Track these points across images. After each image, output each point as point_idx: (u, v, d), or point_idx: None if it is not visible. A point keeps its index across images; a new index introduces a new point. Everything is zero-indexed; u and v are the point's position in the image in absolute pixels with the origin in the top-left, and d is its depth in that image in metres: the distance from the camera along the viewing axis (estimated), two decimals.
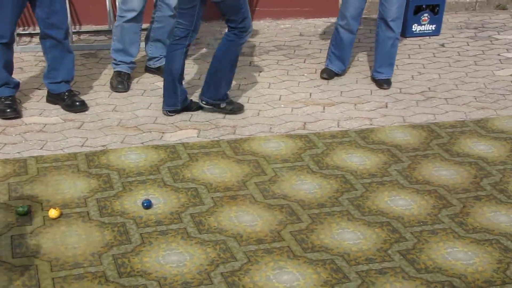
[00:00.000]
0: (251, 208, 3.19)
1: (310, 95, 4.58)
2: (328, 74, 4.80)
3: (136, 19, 4.39)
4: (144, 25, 4.65)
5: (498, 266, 2.79)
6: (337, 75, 4.85)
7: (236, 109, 4.21)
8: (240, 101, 4.42)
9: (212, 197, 3.27)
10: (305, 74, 4.94)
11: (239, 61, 4.67)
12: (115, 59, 4.53)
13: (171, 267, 2.73)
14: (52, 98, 4.22)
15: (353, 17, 4.55)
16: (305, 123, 4.13)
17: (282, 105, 4.40)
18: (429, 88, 4.72)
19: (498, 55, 5.39)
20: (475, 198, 3.32)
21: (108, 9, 5.47)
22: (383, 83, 4.66)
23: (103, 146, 3.76)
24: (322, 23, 6.14)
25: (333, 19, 6.11)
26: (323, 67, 4.93)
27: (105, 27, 5.70)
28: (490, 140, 3.93)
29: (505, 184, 3.45)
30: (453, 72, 5.03)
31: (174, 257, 2.80)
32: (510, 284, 2.67)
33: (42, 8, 3.91)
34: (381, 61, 4.63)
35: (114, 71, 4.58)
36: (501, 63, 5.22)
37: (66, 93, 4.16)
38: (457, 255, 2.86)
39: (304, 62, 5.17)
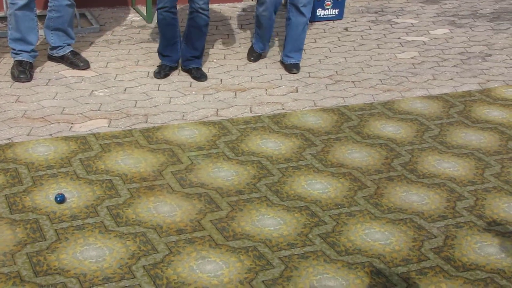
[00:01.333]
0: (169, 198, 3.13)
1: (221, 81, 4.54)
2: (253, 56, 4.90)
3: (29, 6, 4.18)
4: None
5: (413, 244, 2.89)
6: (260, 55, 4.95)
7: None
8: (149, 88, 4.32)
9: (128, 189, 3.18)
10: (214, 60, 4.89)
11: (149, 49, 4.56)
12: (14, 49, 4.31)
13: (90, 263, 2.64)
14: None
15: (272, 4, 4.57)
16: (217, 109, 4.10)
17: (193, 92, 4.34)
18: (336, 72, 4.81)
19: (399, 38, 5.57)
20: (387, 179, 3.42)
21: None
22: (292, 68, 4.71)
23: (8, 139, 3.57)
24: (227, 8, 6.10)
25: (238, 4, 6.09)
26: (232, 52, 4.89)
27: (1, 13, 5.40)
28: (397, 122, 4.06)
29: (414, 164, 3.58)
30: (358, 56, 5.15)
31: (92, 252, 2.70)
32: (426, 261, 2.78)
33: None
34: (291, 46, 4.67)
35: (15, 61, 4.35)
36: (402, 46, 5.39)
37: None
38: (374, 235, 2.94)
39: (213, 48, 5.12)
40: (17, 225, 2.84)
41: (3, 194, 3.06)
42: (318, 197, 3.22)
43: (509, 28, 5.91)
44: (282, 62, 4.81)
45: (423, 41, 5.53)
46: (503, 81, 4.75)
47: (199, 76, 4.49)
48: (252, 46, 4.95)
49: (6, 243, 2.73)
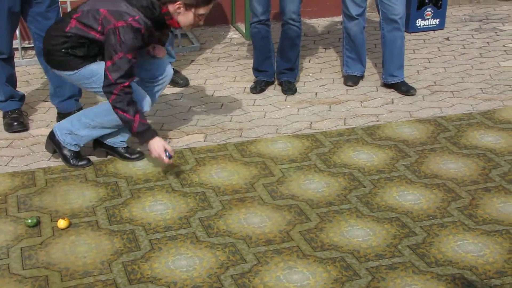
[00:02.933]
0: (259, 210, 3.19)
1: (316, 94, 4.57)
2: (352, 81, 4.69)
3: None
4: None
5: (509, 256, 2.77)
6: (361, 78, 4.75)
7: None
8: (245, 103, 4.43)
9: (220, 201, 3.27)
10: (310, 74, 4.93)
11: (246, 65, 4.67)
12: None
13: (181, 272, 2.74)
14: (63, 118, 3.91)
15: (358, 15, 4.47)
16: (311, 122, 4.13)
17: (288, 106, 4.40)
18: (435, 82, 4.70)
19: (503, 46, 5.36)
20: (484, 189, 3.30)
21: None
22: (410, 89, 4.49)
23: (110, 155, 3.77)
24: (325, 22, 6.13)
25: (337, 18, 6.10)
26: (328, 66, 4.89)
27: None
28: (497, 131, 3.91)
29: None
30: (458, 65, 5.01)
31: (183, 262, 2.80)
32: None
33: (36, 24, 3.91)
34: (393, 64, 4.47)
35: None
36: (507, 54, 5.19)
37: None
38: (467, 247, 2.84)
39: (309, 62, 5.17)
40: (115, 235, 3.00)
41: (103, 206, 3.24)
42: (410, 208, 3.16)
43: None
44: (386, 84, 4.59)
45: None
46: None
47: (287, 89, 4.54)
48: (346, 74, 4.70)
49: (104, 252, 2.88)
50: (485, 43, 5.47)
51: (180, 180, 3.47)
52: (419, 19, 5.77)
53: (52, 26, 3.52)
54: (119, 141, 3.65)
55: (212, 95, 4.59)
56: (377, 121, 4.13)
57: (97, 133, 3.56)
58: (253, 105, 4.42)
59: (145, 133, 3.38)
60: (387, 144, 3.81)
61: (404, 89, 4.50)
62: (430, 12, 5.77)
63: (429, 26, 5.82)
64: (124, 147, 3.67)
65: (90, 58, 3.41)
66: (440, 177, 3.44)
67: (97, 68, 3.39)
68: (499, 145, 3.74)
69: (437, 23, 5.83)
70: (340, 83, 4.73)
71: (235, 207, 3.22)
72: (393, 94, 4.52)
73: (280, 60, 4.58)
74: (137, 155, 3.69)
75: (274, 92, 4.62)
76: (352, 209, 3.17)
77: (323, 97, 4.52)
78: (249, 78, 4.81)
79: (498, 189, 3.30)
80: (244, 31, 5.78)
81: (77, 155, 3.60)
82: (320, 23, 6.12)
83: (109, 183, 3.46)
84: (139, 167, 3.61)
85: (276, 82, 4.71)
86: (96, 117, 3.49)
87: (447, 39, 5.62)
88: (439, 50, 5.36)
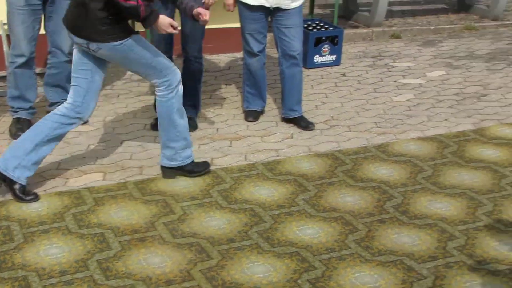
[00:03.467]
0: (160, 249, 3.15)
1: (217, 130, 4.60)
2: (252, 116, 4.76)
3: (28, 64, 4.31)
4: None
5: (402, 286, 2.87)
6: (261, 113, 4.82)
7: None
8: (146, 140, 4.38)
9: (120, 241, 3.20)
10: (211, 110, 4.96)
11: (147, 102, 4.62)
12: (12, 107, 4.42)
13: None
14: None
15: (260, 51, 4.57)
16: (212, 158, 4.14)
17: None
18: (332, 117, 4.85)
19: (395, 81, 5.62)
20: (379, 221, 3.41)
21: (5, 54, 5.32)
22: (309, 124, 4.60)
23: (1, 196, 3.62)
24: (226, 58, 6.21)
25: (238, 54, 6.20)
26: (229, 101, 4.94)
27: (3, 73, 5.53)
28: (391, 164, 4.07)
29: (406, 205, 3.57)
30: (354, 100, 5.20)
31: None
32: None
33: None
34: (292, 99, 4.59)
35: (13, 118, 4.45)
36: (398, 89, 5.43)
37: None
38: (364, 279, 2.92)
39: (210, 98, 5.20)
40: (5, 283, 2.87)
41: None
42: (309, 242, 3.22)
43: (504, 68, 5.95)
44: (285, 118, 4.68)
45: (419, 83, 5.57)
46: (498, 120, 4.76)
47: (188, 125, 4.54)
48: (247, 109, 4.76)
49: None
50: (378, 78, 5.71)
51: (77, 222, 3.37)
52: (317, 56, 5.95)
53: None
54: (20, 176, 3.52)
55: (111, 132, 4.52)
56: (277, 156, 4.20)
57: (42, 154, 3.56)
58: (154, 142, 4.38)
59: (151, 16, 3.39)
60: (287, 179, 3.87)
61: (303, 124, 4.61)
62: (327, 49, 5.97)
63: (326, 62, 6.02)
64: (21, 187, 3.53)
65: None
66: (338, 210, 3.52)
67: None
68: (393, 177, 3.89)
69: (334, 59, 6.03)
70: (241, 119, 4.79)
71: (134, 248, 3.16)
72: (292, 129, 4.61)
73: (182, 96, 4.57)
74: (32, 197, 3.56)
75: None
76: (253, 245, 3.19)
77: (224, 133, 4.55)
78: (150, 115, 4.78)
79: (392, 220, 3.42)
80: None
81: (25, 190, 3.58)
82: (221, 58, 6.19)
83: (0, 227, 3.31)
84: (33, 209, 3.48)
85: None
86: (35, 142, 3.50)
87: (343, 74, 5.82)
88: (336, 86, 5.54)
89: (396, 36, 6.95)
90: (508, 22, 7.54)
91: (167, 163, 3.83)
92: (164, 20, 3.48)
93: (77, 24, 3.41)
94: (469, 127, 4.62)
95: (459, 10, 8.04)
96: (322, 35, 5.95)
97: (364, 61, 6.18)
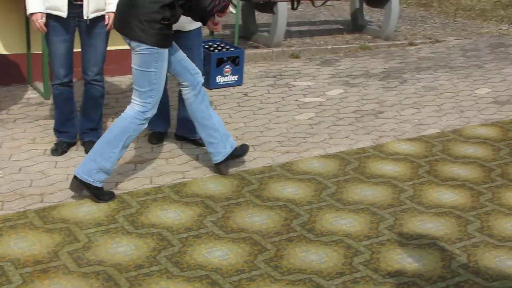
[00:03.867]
0: (64, 280, 3.04)
1: None
2: (156, 138, 4.71)
3: None
4: None
5: None
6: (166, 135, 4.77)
7: None
8: (46, 166, 4.24)
9: (21, 274, 3.07)
10: None
11: (46, 126, 4.47)
12: None
13: None
14: None
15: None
16: (117, 183, 4.06)
17: None
18: (236, 137, 4.88)
19: (296, 100, 5.74)
20: (287, 240, 3.46)
21: None
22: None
23: None
24: (127, 80, 6.13)
25: None
26: None
27: None
28: (296, 182, 4.14)
29: (312, 223, 3.64)
30: (257, 120, 5.26)
31: None
32: None
33: None
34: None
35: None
36: (300, 108, 5.56)
37: None
38: None
39: (112, 121, 5.10)
40: None
41: None
42: (219, 264, 3.21)
43: (398, 85, 6.22)
44: (189, 139, 4.67)
45: (319, 102, 5.72)
46: (394, 136, 4.96)
47: (89, 149, 4.43)
48: (150, 131, 4.70)
49: None
50: (280, 98, 5.81)
51: None
52: (219, 76, 5.99)
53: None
54: None
55: (9, 159, 4.33)
56: (183, 178, 4.17)
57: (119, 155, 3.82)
58: (55, 167, 4.24)
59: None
60: (194, 201, 3.86)
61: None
62: (229, 69, 6.02)
63: (229, 82, 6.07)
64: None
65: None
66: (246, 230, 3.54)
67: None
68: (298, 196, 3.96)
69: (236, 79, 6.10)
70: (145, 141, 4.73)
71: (37, 280, 3.03)
72: (198, 150, 4.60)
73: (83, 120, 4.47)
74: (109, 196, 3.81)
75: (77, 153, 4.48)
76: (162, 270, 3.14)
77: (128, 156, 4.47)
78: (50, 140, 4.63)
79: (299, 239, 3.47)
80: (42, 91, 5.57)
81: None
82: (122, 80, 6.10)
83: None
84: None
85: (79, 143, 4.58)
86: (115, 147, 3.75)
87: (246, 94, 5.89)
88: (239, 105, 5.59)
89: (295, 56, 7.12)
90: (399, 42, 7.90)
91: (80, 175, 3.75)
92: None
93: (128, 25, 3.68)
94: (368, 144, 4.79)
95: (354, 31, 8.35)
96: (224, 56, 6.00)
97: (266, 81, 6.28)
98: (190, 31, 4.39)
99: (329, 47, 7.45)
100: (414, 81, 6.34)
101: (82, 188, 3.77)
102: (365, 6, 8.39)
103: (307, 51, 7.27)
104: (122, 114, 3.85)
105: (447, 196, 4.00)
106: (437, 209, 3.83)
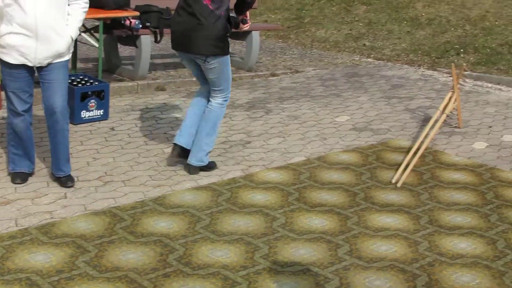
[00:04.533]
0: None
1: None
2: (20, 178, 4.50)
3: None
4: None
5: None
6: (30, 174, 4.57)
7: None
8: None
9: None
10: None
11: None
12: None
13: None
14: None
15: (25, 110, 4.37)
16: None
17: None
18: (105, 173, 4.78)
19: (165, 133, 5.73)
20: (164, 275, 3.42)
21: None
22: (67, 181, 4.48)
23: None
24: None
25: (1, 113, 5.84)
26: None
27: None
28: (169, 216, 4.11)
29: (188, 256, 3.63)
30: (126, 154, 5.18)
31: None
32: None
33: None
34: (60, 157, 4.45)
35: None
36: (168, 140, 5.54)
37: None
38: None
39: None
40: None
41: None
42: None
43: (263, 115, 6.40)
44: (57, 177, 4.54)
45: None
46: (263, 165, 5.09)
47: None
48: (13, 171, 4.50)
49: None
50: (148, 131, 5.77)
51: None
52: (84, 111, 5.85)
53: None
54: None
55: None
56: (52, 218, 4.01)
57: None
58: None
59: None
60: (64, 241, 3.71)
61: (71, 184, 4.46)
62: (93, 104, 5.89)
63: (94, 117, 5.93)
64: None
65: None
66: (121, 268, 3.46)
67: None
68: (173, 230, 3.94)
69: (102, 114, 5.98)
70: (8, 181, 4.49)
71: None
72: (65, 189, 4.44)
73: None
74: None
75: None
76: None
77: None
78: None
79: (176, 273, 3.45)
80: None
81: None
82: None
83: None
84: None
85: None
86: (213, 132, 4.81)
87: (113, 129, 5.79)
88: (106, 140, 5.48)
89: (161, 89, 7.11)
90: (261, 73, 8.15)
91: (196, 163, 4.79)
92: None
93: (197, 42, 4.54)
94: (238, 174, 4.87)
95: None
96: (88, 90, 5.88)
97: (132, 114, 6.21)
98: (53, 63, 4.26)
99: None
100: (279, 111, 6.55)
101: (198, 170, 4.81)
102: None
103: (173, 84, 7.29)
104: (207, 108, 4.78)
105: (317, 221, 4.15)
106: (308, 235, 3.96)
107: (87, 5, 4.41)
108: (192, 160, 4.79)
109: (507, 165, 5.35)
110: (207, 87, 4.84)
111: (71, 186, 4.45)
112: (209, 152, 4.84)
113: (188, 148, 4.83)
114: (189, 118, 4.85)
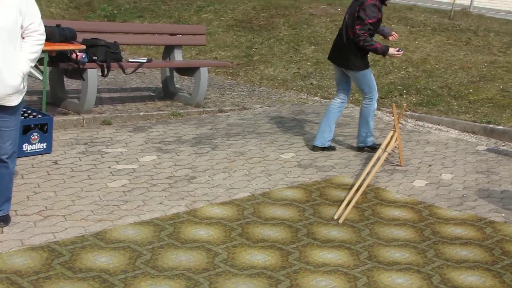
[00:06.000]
0: None
1: None
2: None
3: None
4: None
5: None
6: None
7: None
8: None
9: None
10: None
11: None
12: None
13: None
14: None
15: None
16: None
17: None
18: (46, 207, 4.70)
19: (109, 167, 5.68)
20: None
21: None
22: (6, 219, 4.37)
23: None
24: None
25: None
26: None
27: None
28: (110, 251, 4.06)
29: None
30: (68, 188, 5.11)
31: None
32: None
33: None
34: (2, 195, 4.35)
35: None
36: (113, 175, 5.50)
37: None
38: None
39: None
40: None
41: None
42: None
43: (209, 151, 6.42)
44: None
45: (133, 168, 5.71)
46: (207, 200, 5.09)
47: None
48: None
49: None
50: (92, 165, 5.71)
51: None
52: (26, 144, 5.76)
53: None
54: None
55: None
56: None
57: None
58: None
59: (385, 49, 6.38)
60: None
61: (4, 224, 4.34)
62: (36, 137, 5.81)
63: (37, 150, 5.85)
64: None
65: None
66: None
67: None
68: (112, 265, 3.88)
69: (44, 147, 5.89)
70: None
71: None
72: (2, 223, 4.34)
73: None
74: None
75: None
76: None
77: None
78: None
79: None
80: None
81: None
82: None
83: None
84: None
85: None
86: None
87: (55, 162, 5.71)
88: (49, 174, 5.40)
89: (107, 123, 7.07)
90: (209, 109, 8.19)
91: (362, 145, 6.78)
92: (392, 49, 6.41)
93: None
94: (182, 209, 4.85)
95: (165, 98, 8.51)
96: (31, 123, 5.80)
97: (77, 148, 6.15)
98: (5, 109, 4.15)
99: (141, 113, 7.51)
100: (225, 147, 6.59)
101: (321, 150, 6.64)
102: (175, 74, 8.63)
103: (119, 118, 7.26)
104: (361, 109, 6.62)
105: (259, 257, 4.17)
106: (249, 271, 3.97)
107: (43, 38, 4.19)
108: (317, 142, 6.70)
109: (444, 202, 5.50)
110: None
111: (4, 226, 4.31)
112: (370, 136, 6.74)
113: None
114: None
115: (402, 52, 6.52)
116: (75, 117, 6.96)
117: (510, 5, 25.63)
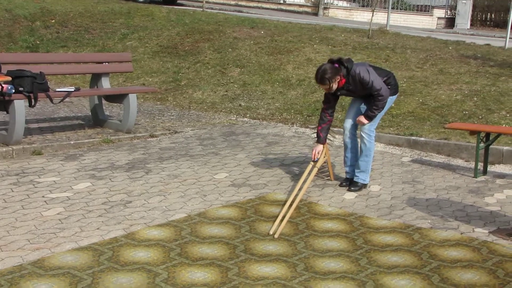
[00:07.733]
0: None
1: None
2: None
3: None
4: None
5: None
6: None
7: None
8: None
9: None
10: None
11: None
12: None
13: None
14: None
15: None
16: None
17: None
18: None
19: (43, 196, 5.65)
20: None
21: None
22: None
23: None
24: None
25: None
26: None
27: None
28: (49, 278, 4.06)
29: None
30: (2, 219, 5.06)
31: None
32: None
33: None
34: None
35: None
36: (47, 204, 5.47)
37: None
38: None
39: None
40: None
41: None
42: None
43: (143, 175, 6.47)
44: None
45: (67, 196, 5.70)
46: (145, 223, 5.14)
47: None
48: None
49: None
50: (25, 195, 5.66)
51: None
52: None
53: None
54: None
55: None
56: None
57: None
58: None
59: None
60: None
61: None
62: None
63: None
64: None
65: None
66: None
67: None
68: None
69: None
70: None
71: None
72: None
73: None
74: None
75: None
76: None
77: None
78: None
79: None
80: None
81: None
82: None
83: None
84: None
85: None
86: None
87: None
88: None
89: (37, 153, 7.01)
90: (140, 134, 8.23)
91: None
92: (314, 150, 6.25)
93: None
94: (120, 233, 4.89)
95: (95, 125, 8.50)
96: None
97: (8, 179, 6.07)
98: None
99: (72, 142, 7.48)
100: (159, 170, 6.65)
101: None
102: (104, 101, 8.63)
103: (50, 147, 7.21)
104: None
105: (199, 274, 4.26)
106: None
107: None
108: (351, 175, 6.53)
109: (374, 212, 5.75)
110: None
111: None
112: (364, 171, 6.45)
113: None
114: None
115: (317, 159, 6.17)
116: (4, 149, 6.87)
117: (423, 23, 26.86)
